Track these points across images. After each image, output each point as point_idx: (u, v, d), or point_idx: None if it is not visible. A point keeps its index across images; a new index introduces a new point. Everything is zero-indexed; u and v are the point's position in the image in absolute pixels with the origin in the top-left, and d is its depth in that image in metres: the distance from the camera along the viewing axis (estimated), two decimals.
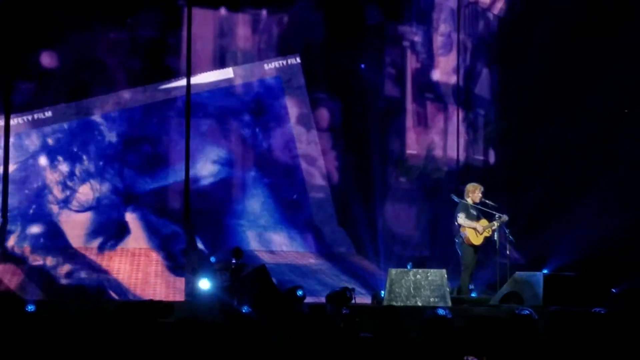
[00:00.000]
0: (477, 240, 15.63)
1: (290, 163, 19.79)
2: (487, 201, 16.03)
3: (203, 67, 18.88)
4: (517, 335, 7.39)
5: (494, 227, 15.64)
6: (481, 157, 21.46)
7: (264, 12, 19.52)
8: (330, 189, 19.92)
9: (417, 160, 20.81)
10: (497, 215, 15.73)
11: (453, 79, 21.02)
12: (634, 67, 19.07)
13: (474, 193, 15.90)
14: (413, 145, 20.79)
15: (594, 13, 19.35)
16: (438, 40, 21.17)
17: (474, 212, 15.78)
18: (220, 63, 19.17)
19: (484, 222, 15.77)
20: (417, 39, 21.03)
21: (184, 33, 17.96)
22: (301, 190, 19.84)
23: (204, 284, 14.96)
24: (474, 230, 15.61)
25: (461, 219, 15.62)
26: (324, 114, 20.11)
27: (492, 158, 21.59)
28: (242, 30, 19.41)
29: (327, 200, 19.90)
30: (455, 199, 15.98)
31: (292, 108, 19.91)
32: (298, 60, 20.11)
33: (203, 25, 18.73)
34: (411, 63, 20.91)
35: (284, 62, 20.03)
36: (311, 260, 18.96)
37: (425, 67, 21.08)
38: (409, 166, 20.67)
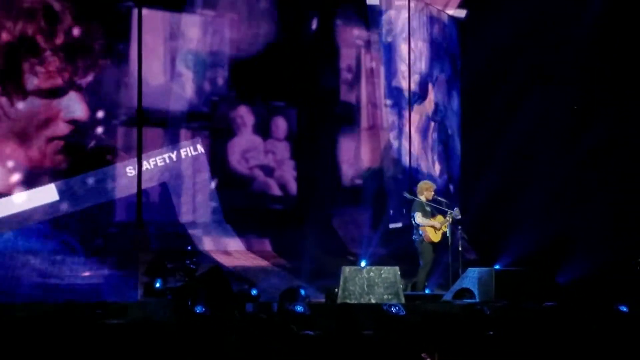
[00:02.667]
0: (436, 237, 15.75)
1: (246, 173, 19.66)
2: (439, 198, 16.15)
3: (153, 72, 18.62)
4: (470, 330, 7.45)
5: (449, 221, 15.78)
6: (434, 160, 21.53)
7: (214, 14, 19.36)
8: (287, 200, 19.80)
9: (372, 162, 20.83)
10: (449, 211, 15.85)
11: (407, 84, 21.05)
12: (580, 68, 19.30)
13: (427, 191, 16.03)
14: (368, 149, 20.80)
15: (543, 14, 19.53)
16: (394, 44, 21.18)
17: (429, 209, 15.89)
18: (171, 67, 18.95)
19: (440, 218, 15.89)
20: (373, 43, 21.02)
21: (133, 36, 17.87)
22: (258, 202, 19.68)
23: (157, 285, 14.90)
24: (432, 228, 15.73)
25: (419, 218, 15.72)
26: (280, 123, 19.99)
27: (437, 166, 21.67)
28: (193, 33, 19.21)
29: (284, 211, 19.75)
30: (409, 197, 16.09)
31: (248, 116, 19.75)
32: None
33: (153, 27, 18.52)
34: (366, 68, 20.91)
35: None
36: (267, 261, 18.92)
37: (380, 71, 21.09)
38: (365, 168, 20.70)
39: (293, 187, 19.85)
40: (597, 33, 19.07)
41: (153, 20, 18.41)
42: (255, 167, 19.70)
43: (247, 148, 19.64)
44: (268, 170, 19.79)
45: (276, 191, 19.81)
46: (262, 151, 19.77)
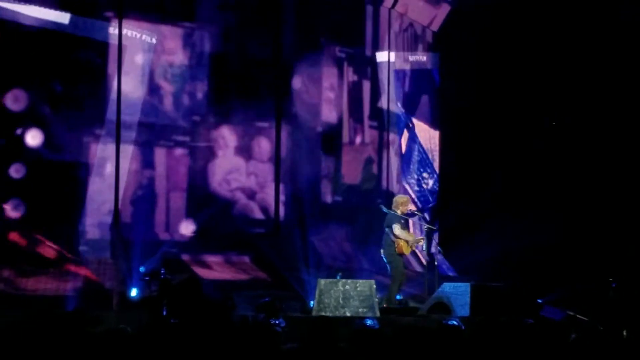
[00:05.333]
0: (407, 250, 15.71)
1: (228, 196, 19.60)
2: (415, 212, 16.17)
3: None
4: (445, 345, 7.46)
5: (421, 242, 15.80)
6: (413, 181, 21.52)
7: (194, 26, 19.30)
8: (269, 223, 19.73)
9: (352, 179, 20.85)
10: (426, 225, 15.88)
11: (390, 105, 21.07)
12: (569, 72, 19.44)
13: (403, 205, 15.95)
14: (349, 166, 20.83)
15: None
16: (377, 64, 21.19)
17: (403, 222, 15.87)
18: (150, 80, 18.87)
19: (412, 235, 15.88)
20: (355, 62, 21.06)
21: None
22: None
23: (133, 294, 14.89)
24: (406, 242, 15.66)
25: (397, 229, 15.56)
26: (264, 144, 19.94)
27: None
28: (172, 44, 19.14)
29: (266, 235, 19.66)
30: (384, 209, 16.04)
31: (231, 137, 19.66)
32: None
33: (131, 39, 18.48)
34: (349, 86, 20.95)
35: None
36: (245, 275, 18.89)
37: (362, 91, 21.12)
38: (344, 185, 20.72)
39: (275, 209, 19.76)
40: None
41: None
42: (237, 189, 19.66)
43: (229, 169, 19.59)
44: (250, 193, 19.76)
45: (258, 214, 19.76)
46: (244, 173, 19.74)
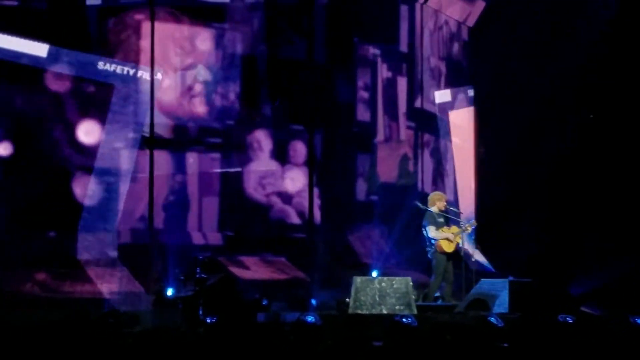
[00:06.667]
0: (449, 247, 15.66)
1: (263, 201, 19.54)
2: (452, 208, 16.10)
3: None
4: (483, 342, 7.38)
5: (466, 232, 15.74)
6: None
7: (225, 27, 19.24)
8: (306, 227, 19.64)
9: (387, 177, 20.76)
10: (463, 222, 15.80)
11: (426, 105, 20.98)
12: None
13: (439, 202, 15.95)
14: (384, 164, 20.73)
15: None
16: (415, 64, 21.08)
17: (441, 220, 15.82)
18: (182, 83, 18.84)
19: (454, 228, 15.81)
20: (390, 59, 20.95)
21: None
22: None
23: (169, 294, 14.91)
24: (446, 240, 15.63)
25: (432, 232, 15.61)
26: (299, 147, 19.83)
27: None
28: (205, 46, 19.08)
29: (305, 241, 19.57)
30: (420, 206, 16.00)
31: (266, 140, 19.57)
32: None
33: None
34: (383, 84, 20.84)
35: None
36: (282, 273, 18.86)
37: (397, 91, 21.01)
38: (379, 183, 20.64)
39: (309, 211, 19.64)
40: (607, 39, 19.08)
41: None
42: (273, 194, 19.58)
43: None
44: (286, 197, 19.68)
45: (295, 219, 19.69)
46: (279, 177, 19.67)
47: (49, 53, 17.09)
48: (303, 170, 19.53)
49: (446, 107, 21.07)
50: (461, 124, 21.19)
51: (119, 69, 17.83)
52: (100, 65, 17.70)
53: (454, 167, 21.16)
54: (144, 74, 17.77)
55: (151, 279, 16.43)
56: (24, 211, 17.08)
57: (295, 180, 19.63)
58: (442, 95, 21.16)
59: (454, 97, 21.13)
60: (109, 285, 16.90)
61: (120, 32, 18.24)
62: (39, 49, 17.05)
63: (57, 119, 17.61)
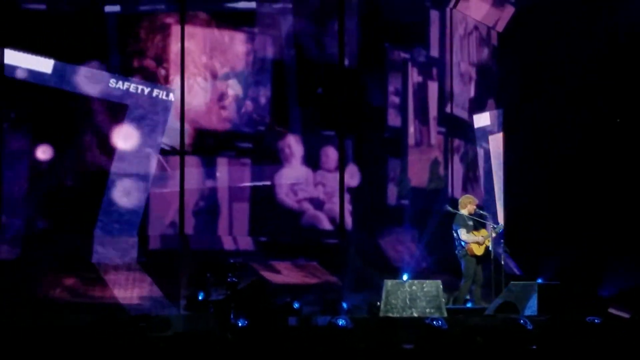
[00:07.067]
0: (479, 251, 15.69)
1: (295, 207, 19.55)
2: (482, 212, 16.11)
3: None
4: (513, 344, 7.43)
5: (494, 235, 15.75)
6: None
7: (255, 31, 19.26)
8: (338, 233, 19.64)
9: (418, 182, 20.75)
10: (492, 225, 15.82)
11: (456, 110, 20.96)
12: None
13: (470, 204, 15.99)
14: (415, 169, 20.73)
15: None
16: (446, 69, 21.06)
17: (471, 223, 15.84)
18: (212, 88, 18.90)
19: (483, 232, 15.84)
20: (422, 67, 20.94)
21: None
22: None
23: (200, 298, 14.97)
24: (476, 243, 15.67)
25: (463, 234, 15.66)
26: (330, 153, 19.81)
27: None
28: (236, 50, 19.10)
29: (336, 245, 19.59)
30: (451, 209, 16.04)
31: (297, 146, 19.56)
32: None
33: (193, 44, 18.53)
34: (414, 88, 20.83)
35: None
36: (314, 277, 18.89)
37: (428, 96, 20.99)
38: (410, 187, 20.64)
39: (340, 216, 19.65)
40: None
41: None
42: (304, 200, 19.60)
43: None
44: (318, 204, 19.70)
45: (327, 225, 19.71)
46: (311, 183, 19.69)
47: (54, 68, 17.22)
48: (335, 176, 19.55)
49: (485, 130, 21.02)
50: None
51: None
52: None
53: (483, 172, 21.15)
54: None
55: (182, 284, 16.51)
56: (53, 215, 17.28)
57: (326, 186, 19.65)
58: (480, 119, 21.16)
59: (493, 121, 21.07)
60: (137, 290, 17.00)
61: (143, 40, 18.34)
62: (45, 65, 17.20)
63: (87, 123, 17.77)
